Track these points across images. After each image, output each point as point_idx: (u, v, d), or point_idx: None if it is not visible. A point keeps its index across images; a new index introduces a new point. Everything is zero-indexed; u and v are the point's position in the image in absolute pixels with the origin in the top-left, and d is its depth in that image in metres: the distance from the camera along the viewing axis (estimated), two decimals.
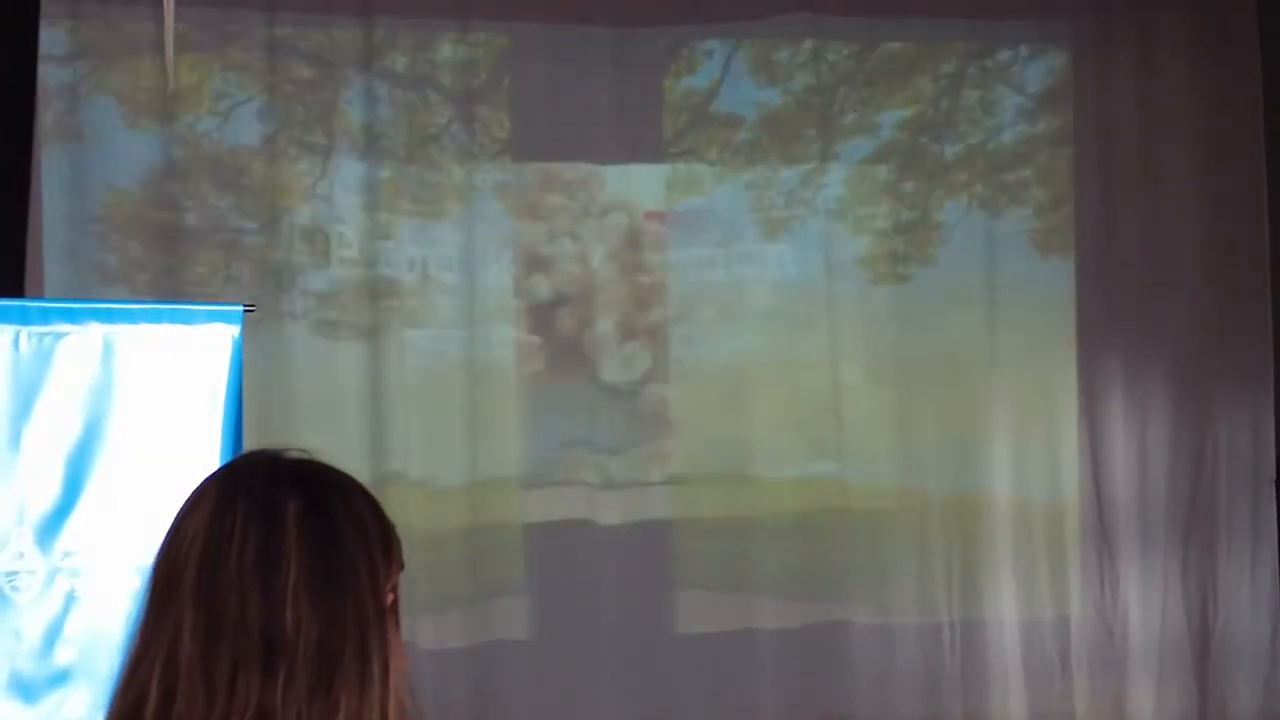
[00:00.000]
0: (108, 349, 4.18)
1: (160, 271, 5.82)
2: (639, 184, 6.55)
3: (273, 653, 1.36)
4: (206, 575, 1.39)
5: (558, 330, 6.48)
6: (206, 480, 1.49)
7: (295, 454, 1.50)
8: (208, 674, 1.36)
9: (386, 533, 1.48)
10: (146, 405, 4.19)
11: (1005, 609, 6.35)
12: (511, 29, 6.30)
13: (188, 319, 4.33)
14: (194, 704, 1.36)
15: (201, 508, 1.44)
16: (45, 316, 4.16)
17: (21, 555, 4.05)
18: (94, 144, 5.78)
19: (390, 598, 1.45)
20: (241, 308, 4.41)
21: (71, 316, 4.20)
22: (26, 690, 4.02)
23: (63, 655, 4.06)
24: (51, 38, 5.70)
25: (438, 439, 6.19)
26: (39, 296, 5.30)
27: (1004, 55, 6.56)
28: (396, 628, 1.47)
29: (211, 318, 4.35)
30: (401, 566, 1.49)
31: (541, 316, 6.46)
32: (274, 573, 1.38)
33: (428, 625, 5.82)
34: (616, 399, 6.49)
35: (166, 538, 1.45)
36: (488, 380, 6.30)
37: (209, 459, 4.17)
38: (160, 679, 1.38)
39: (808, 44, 6.43)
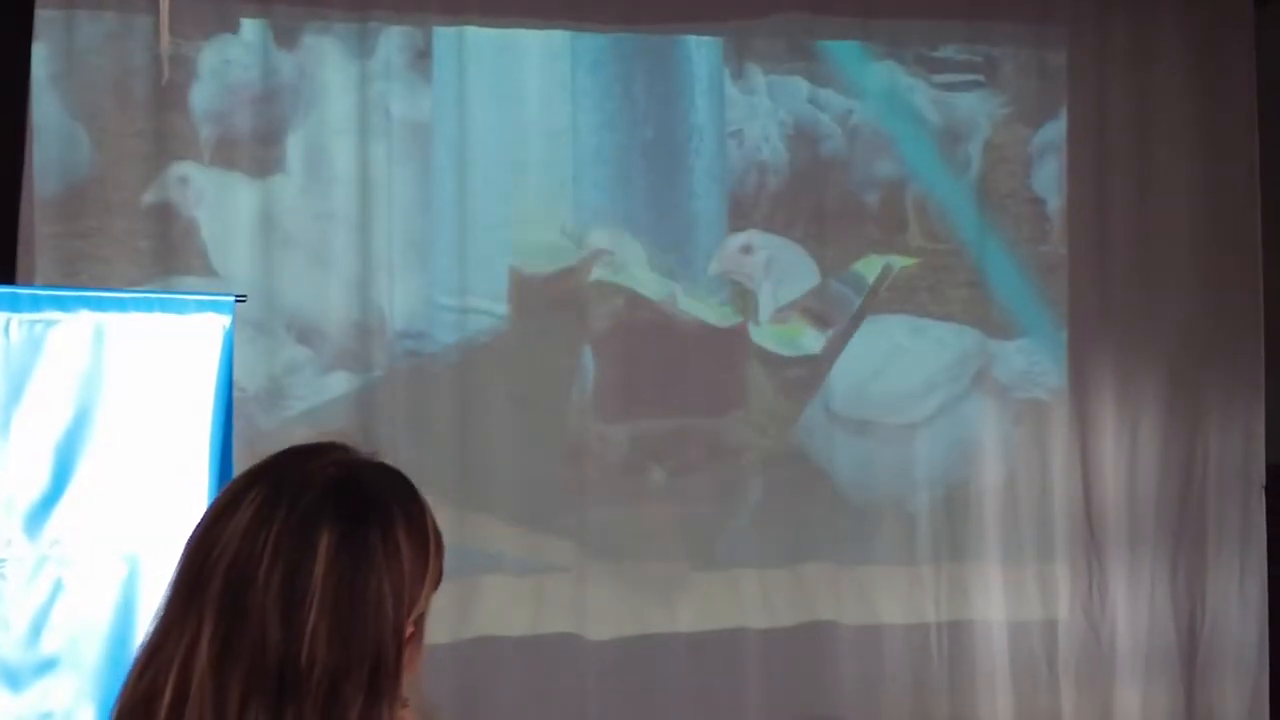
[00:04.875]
0: (98, 337, 4.17)
1: (152, 260, 5.79)
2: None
3: (285, 690, 1.35)
4: (231, 592, 1.37)
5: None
6: (252, 477, 1.45)
7: (346, 457, 1.46)
8: (219, 696, 1.35)
9: (425, 553, 1.44)
10: (137, 394, 4.18)
11: (993, 611, 6.34)
12: (505, 26, 6.22)
13: (179, 308, 4.32)
14: None
15: (240, 512, 1.40)
16: (36, 304, 4.15)
17: (9, 543, 4.04)
18: (86, 132, 5.75)
19: (410, 629, 1.42)
20: (233, 297, 4.41)
21: (63, 304, 4.19)
22: (13, 678, 4.01)
23: (49, 643, 4.04)
24: (45, 26, 5.68)
25: None
26: (30, 284, 5.28)
27: (1000, 56, 6.54)
28: (418, 644, 1.44)
29: (203, 307, 4.34)
30: (439, 580, 1.46)
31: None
32: (297, 607, 1.36)
33: None
34: None
35: (201, 529, 1.42)
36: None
37: (199, 449, 4.16)
38: (175, 683, 1.36)
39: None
